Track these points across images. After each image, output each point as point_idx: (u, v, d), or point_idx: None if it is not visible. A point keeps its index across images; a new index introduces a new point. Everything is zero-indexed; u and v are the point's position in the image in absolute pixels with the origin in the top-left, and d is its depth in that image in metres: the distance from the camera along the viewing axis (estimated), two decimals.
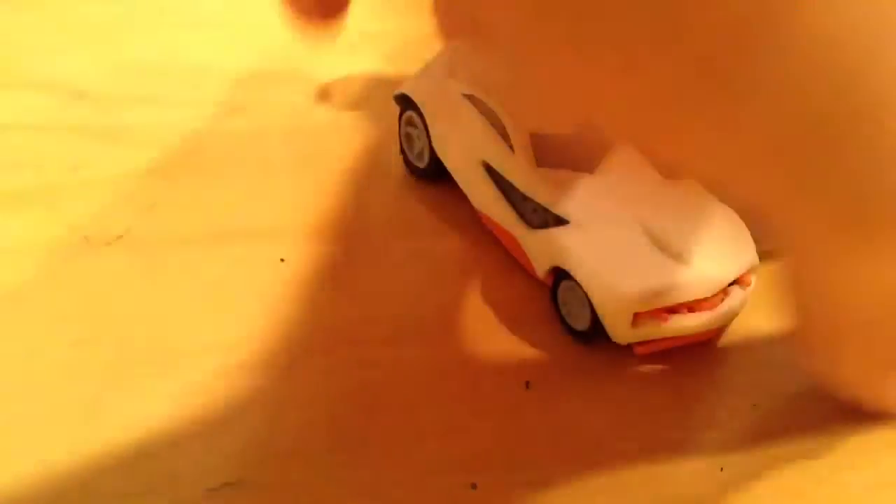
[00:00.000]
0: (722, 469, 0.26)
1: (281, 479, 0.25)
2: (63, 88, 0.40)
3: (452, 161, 0.33)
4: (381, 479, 0.25)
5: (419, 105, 0.34)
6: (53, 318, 0.30)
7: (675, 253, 0.28)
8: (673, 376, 0.28)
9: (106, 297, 0.31)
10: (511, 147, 0.31)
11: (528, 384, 0.28)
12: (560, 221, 0.29)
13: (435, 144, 0.34)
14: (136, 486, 0.25)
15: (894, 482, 0.26)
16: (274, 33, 0.44)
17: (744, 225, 0.29)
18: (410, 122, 0.35)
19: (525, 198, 0.30)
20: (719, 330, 0.29)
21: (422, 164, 0.35)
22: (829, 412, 0.27)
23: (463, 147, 0.33)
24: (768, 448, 0.26)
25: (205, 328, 0.29)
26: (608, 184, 0.30)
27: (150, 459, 0.26)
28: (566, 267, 0.29)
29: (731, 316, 0.29)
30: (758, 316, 0.29)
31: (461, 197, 0.33)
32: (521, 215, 0.31)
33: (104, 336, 0.29)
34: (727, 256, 0.29)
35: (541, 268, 0.30)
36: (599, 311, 0.28)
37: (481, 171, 0.32)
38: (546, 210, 0.30)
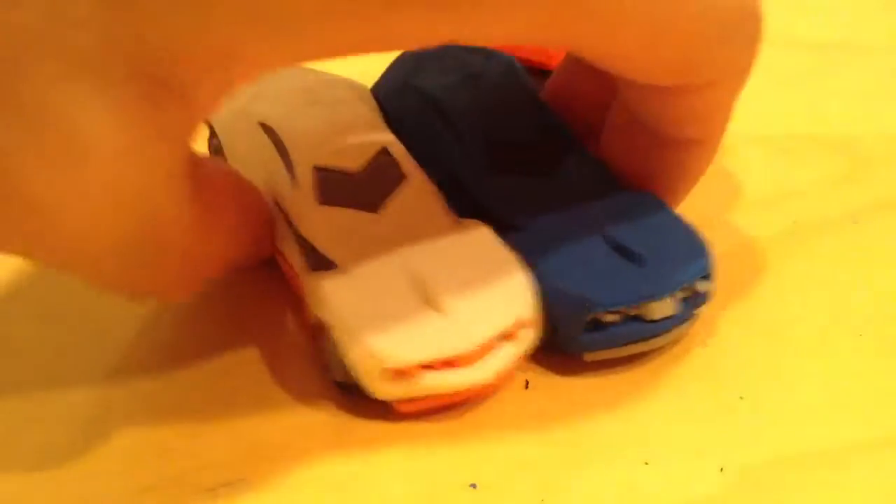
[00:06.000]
0: (722, 469, 0.26)
1: (281, 479, 0.25)
2: None
3: None
4: (381, 478, 0.25)
5: (218, 132, 0.32)
6: (53, 317, 0.30)
7: (435, 304, 0.26)
8: (673, 377, 0.28)
9: (106, 297, 0.30)
10: (295, 181, 0.28)
11: (527, 384, 0.28)
12: (328, 266, 0.27)
13: None
14: (135, 485, 0.25)
15: (894, 481, 0.26)
16: None
17: (524, 276, 0.27)
18: (216, 149, 0.32)
19: (302, 237, 0.28)
20: (493, 387, 0.27)
21: None
22: (828, 411, 0.27)
23: (254, 179, 0.29)
24: (768, 448, 0.26)
25: (204, 328, 0.29)
26: (388, 225, 0.28)
27: (150, 459, 0.26)
28: (323, 319, 0.26)
29: (501, 373, 0.26)
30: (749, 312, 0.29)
31: None
32: (303, 255, 0.28)
33: (103, 336, 0.29)
34: (494, 308, 0.26)
35: (311, 314, 0.27)
36: (352, 368, 0.26)
37: (273, 206, 0.29)
38: (316, 252, 0.27)
